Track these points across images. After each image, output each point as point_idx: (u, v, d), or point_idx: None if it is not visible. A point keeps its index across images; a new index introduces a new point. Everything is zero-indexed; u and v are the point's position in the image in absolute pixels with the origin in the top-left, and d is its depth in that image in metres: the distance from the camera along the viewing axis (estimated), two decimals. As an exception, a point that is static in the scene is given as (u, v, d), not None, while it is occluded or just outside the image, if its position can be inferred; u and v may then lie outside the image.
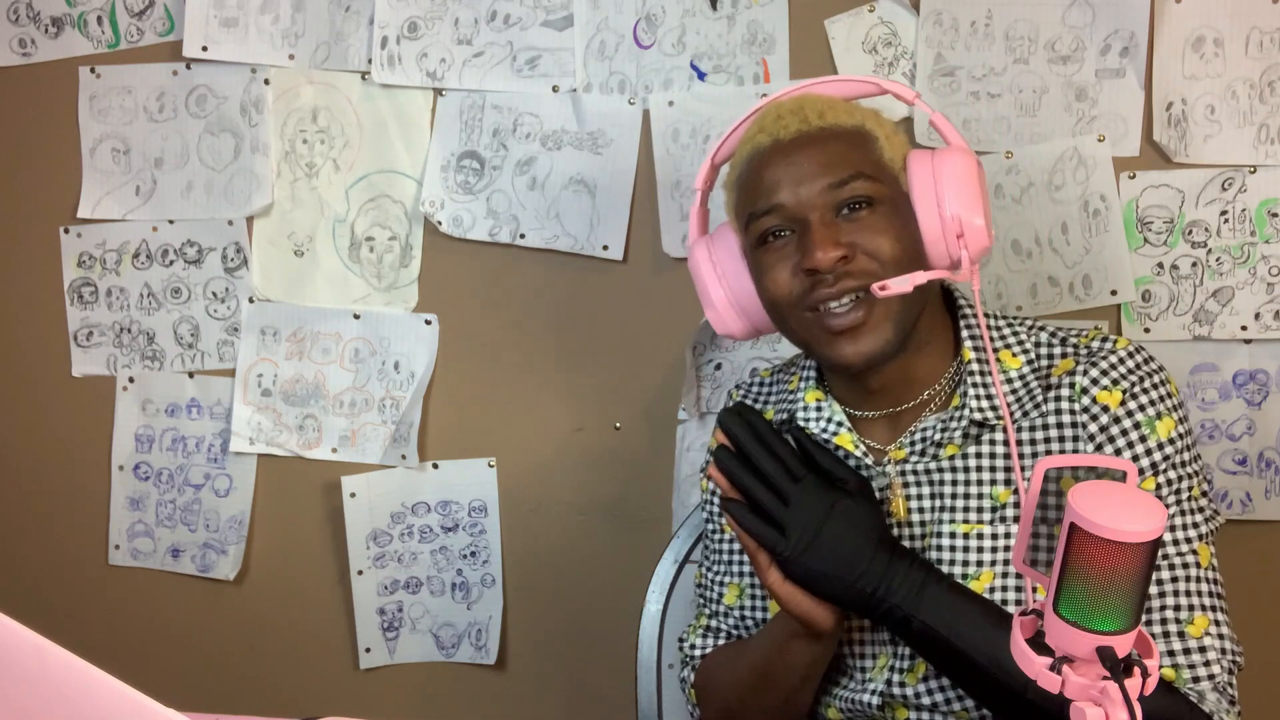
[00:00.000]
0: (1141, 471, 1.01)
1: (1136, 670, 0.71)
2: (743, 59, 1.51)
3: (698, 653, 1.22)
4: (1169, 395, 1.04)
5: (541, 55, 1.55)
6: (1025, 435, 1.05)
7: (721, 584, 1.22)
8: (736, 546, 1.21)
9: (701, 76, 1.52)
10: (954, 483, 1.07)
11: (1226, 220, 1.43)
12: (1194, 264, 1.44)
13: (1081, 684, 0.71)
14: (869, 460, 1.09)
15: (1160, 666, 0.98)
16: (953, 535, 1.06)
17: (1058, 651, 0.73)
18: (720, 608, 1.22)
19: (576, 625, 1.66)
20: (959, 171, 1.04)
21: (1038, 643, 0.76)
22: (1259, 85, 1.40)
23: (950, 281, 1.13)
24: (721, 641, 1.22)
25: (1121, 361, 1.04)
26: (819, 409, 1.12)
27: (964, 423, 1.06)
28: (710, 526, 1.24)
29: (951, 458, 1.07)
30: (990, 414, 1.05)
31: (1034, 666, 0.74)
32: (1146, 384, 1.04)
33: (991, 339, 1.09)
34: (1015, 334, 1.10)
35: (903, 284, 0.99)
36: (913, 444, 1.08)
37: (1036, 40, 1.44)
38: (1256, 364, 1.44)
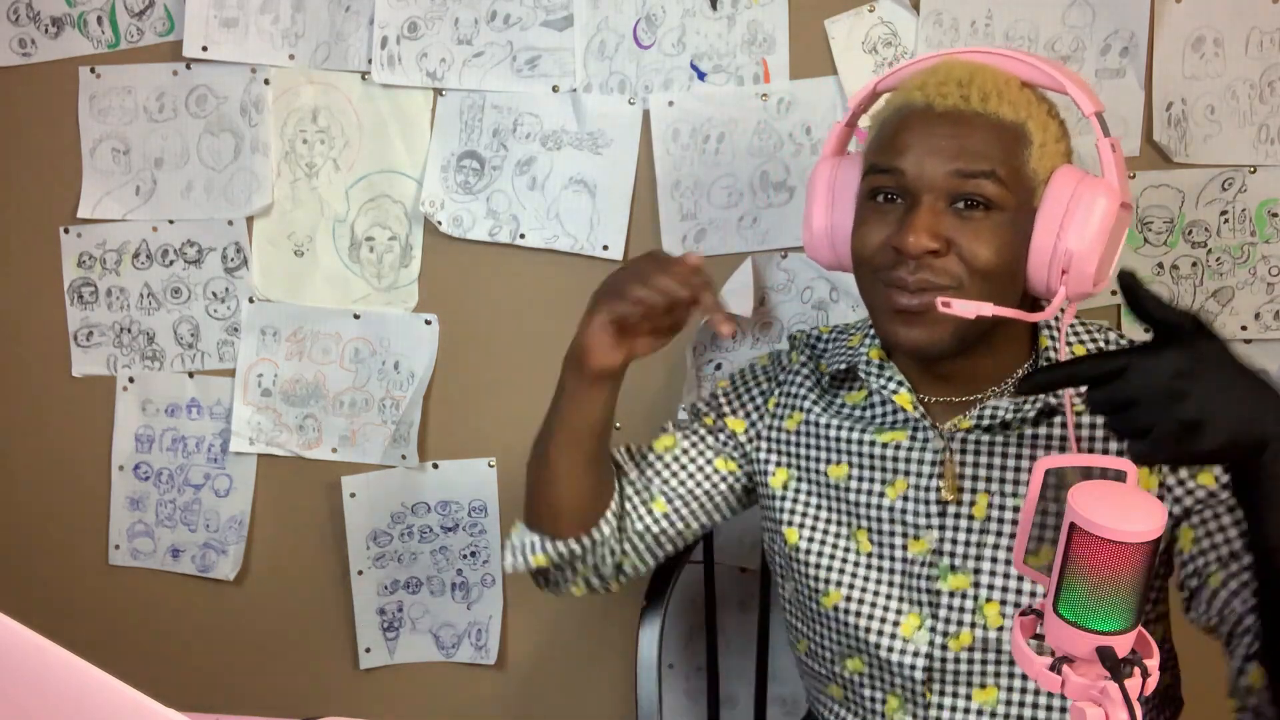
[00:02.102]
0: None
1: (1136, 670, 0.71)
2: (743, 59, 1.51)
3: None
4: None
5: (541, 55, 1.55)
6: (1101, 424, 1.04)
7: (664, 431, 1.23)
8: (703, 431, 1.22)
9: (701, 76, 1.52)
10: (1017, 456, 1.07)
11: (1226, 220, 1.43)
12: (1194, 264, 1.44)
13: (1081, 684, 0.71)
14: (927, 423, 1.09)
15: None
16: (1016, 510, 1.05)
17: (1058, 651, 0.73)
18: (647, 445, 1.23)
19: (576, 625, 1.66)
20: (1096, 209, 0.98)
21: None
22: (1259, 85, 1.40)
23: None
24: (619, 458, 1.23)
25: None
26: (881, 367, 1.12)
27: (1039, 404, 1.05)
28: (692, 410, 1.25)
29: (1019, 436, 1.06)
30: (1063, 402, 1.04)
31: (1034, 666, 0.74)
32: None
33: (1067, 336, 1.08)
34: (1089, 332, 1.11)
35: (967, 309, 0.95)
36: (980, 418, 1.07)
37: (1036, 40, 1.44)
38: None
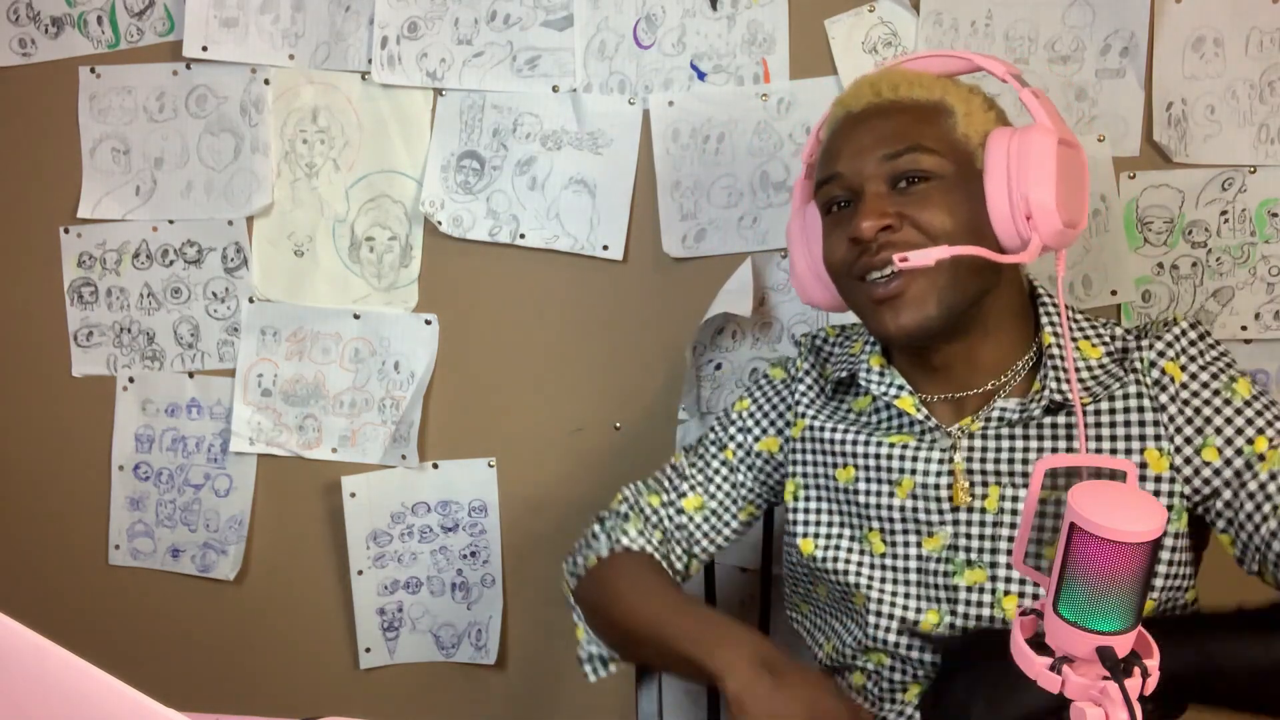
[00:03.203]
0: (1242, 430, 1.03)
1: (1136, 670, 0.71)
2: (743, 59, 1.51)
3: (624, 543, 1.19)
4: (1232, 363, 1.07)
5: (541, 55, 1.55)
6: (1106, 416, 1.05)
7: (692, 488, 1.23)
8: (725, 473, 1.23)
9: (701, 76, 1.52)
10: (1025, 449, 1.07)
11: (1226, 220, 1.43)
12: (1194, 264, 1.44)
13: (1081, 684, 0.71)
14: (931, 424, 1.09)
15: None
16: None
17: (1058, 651, 0.73)
18: (677, 504, 1.22)
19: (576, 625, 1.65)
20: (1035, 149, 1.01)
21: (1038, 643, 0.76)
22: (1259, 85, 1.40)
23: (1027, 269, 1.13)
24: (653, 537, 1.21)
25: (1184, 334, 1.06)
26: (881, 374, 1.13)
27: (1044, 403, 1.05)
28: (716, 439, 1.25)
29: (1025, 437, 1.07)
30: (1070, 399, 1.05)
31: (1034, 666, 0.74)
32: (1209, 355, 1.06)
33: (1070, 330, 1.10)
34: (1094, 327, 1.11)
35: (923, 257, 0.98)
36: (988, 420, 1.08)
37: (1036, 40, 1.44)
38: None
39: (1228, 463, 1.03)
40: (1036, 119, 1.04)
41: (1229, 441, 1.02)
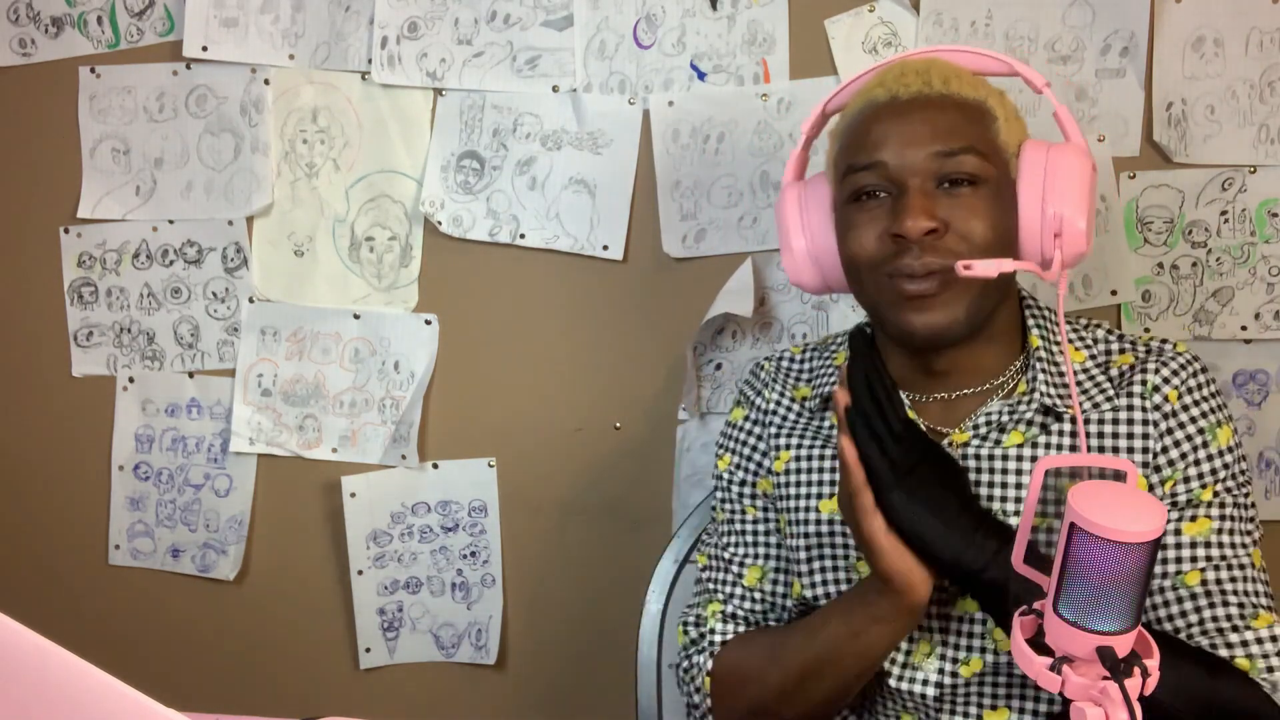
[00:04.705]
0: (1201, 476, 1.03)
1: (1136, 670, 0.71)
2: (743, 59, 1.51)
3: (718, 638, 1.15)
4: (1223, 405, 1.07)
5: (541, 55, 1.55)
6: (1094, 428, 1.05)
7: (742, 564, 1.18)
8: (762, 529, 1.17)
9: (701, 76, 1.52)
10: (1018, 471, 1.05)
11: (1226, 220, 1.43)
12: (1194, 264, 1.44)
13: (1081, 684, 0.71)
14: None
15: (1235, 658, 0.99)
16: None
17: (1058, 651, 0.73)
18: (738, 590, 1.17)
19: (576, 625, 1.66)
20: (1072, 169, 1.01)
21: (1038, 643, 0.76)
22: (1259, 85, 1.40)
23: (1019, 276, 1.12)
24: (741, 629, 1.16)
25: (1189, 364, 1.06)
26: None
27: (1034, 407, 1.05)
28: (730, 509, 1.20)
29: (1019, 446, 1.06)
30: (1060, 402, 1.04)
31: (1034, 666, 0.74)
32: (1207, 391, 1.06)
33: (1055, 334, 1.09)
34: (1075, 330, 1.11)
35: (988, 268, 0.95)
36: (976, 427, 1.06)
37: (1036, 40, 1.44)
38: (1256, 364, 1.44)
39: (1172, 497, 1.04)
40: (1072, 138, 1.04)
41: (1186, 480, 1.04)
